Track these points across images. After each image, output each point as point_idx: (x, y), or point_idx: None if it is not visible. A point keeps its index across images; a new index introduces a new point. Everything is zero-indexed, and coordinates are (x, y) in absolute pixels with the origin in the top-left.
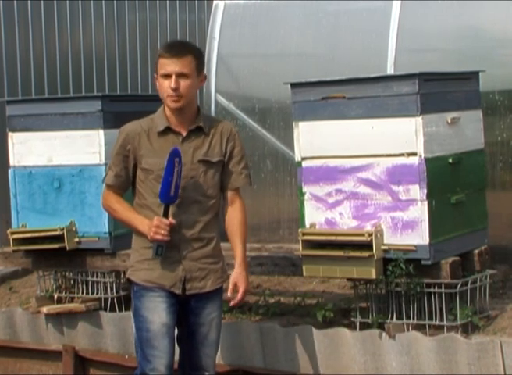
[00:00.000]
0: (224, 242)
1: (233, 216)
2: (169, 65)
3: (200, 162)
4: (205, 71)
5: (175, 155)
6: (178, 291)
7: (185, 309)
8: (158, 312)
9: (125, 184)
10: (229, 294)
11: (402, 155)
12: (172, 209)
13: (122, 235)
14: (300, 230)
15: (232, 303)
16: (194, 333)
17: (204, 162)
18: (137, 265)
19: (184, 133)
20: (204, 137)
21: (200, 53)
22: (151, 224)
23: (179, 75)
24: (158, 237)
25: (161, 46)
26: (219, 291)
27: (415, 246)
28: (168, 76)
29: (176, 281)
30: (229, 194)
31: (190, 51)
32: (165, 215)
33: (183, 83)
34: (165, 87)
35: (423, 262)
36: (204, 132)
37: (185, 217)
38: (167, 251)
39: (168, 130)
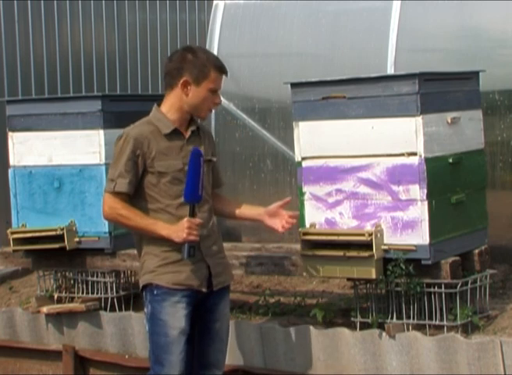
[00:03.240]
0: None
1: (227, 200)
2: (220, 81)
3: (205, 162)
4: None
5: (199, 154)
6: (205, 289)
7: (200, 309)
8: (178, 318)
9: (133, 190)
10: (281, 207)
11: (402, 154)
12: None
13: (122, 235)
14: (300, 229)
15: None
16: (208, 329)
17: (208, 162)
18: (160, 269)
19: (187, 135)
20: (199, 137)
21: None
22: (179, 227)
23: None
24: (192, 238)
25: (211, 59)
26: (228, 287)
27: (415, 246)
28: (215, 91)
29: (202, 280)
30: (217, 191)
31: None
32: (192, 215)
33: None
34: (210, 100)
35: (423, 262)
36: (199, 133)
37: (200, 216)
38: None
39: (173, 132)
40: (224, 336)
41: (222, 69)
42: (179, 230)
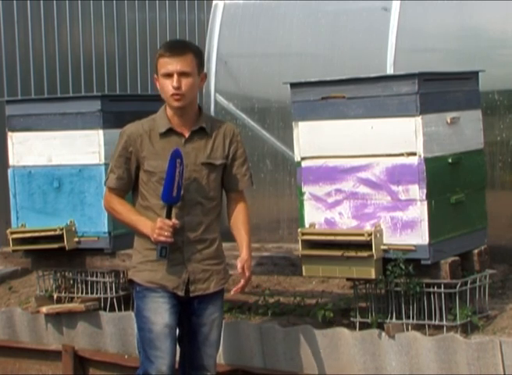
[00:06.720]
0: (224, 242)
1: (238, 213)
2: (171, 64)
3: (204, 164)
4: (205, 70)
5: (176, 156)
6: (181, 293)
7: (187, 310)
8: (160, 313)
9: (127, 186)
10: (239, 269)
11: (401, 154)
12: (174, 211)
13: (121, 235)
14: (299, 230)
15: (234, 291)
16: (196, 333)
17: (207, 165)
18: (140, 266)
19: (187, 135)
20: (206, 138)
21: (199, 52)
22: (154, 226)
23: (181, 74)
24: (162, 238)
25: (161, 46)
26: (221, 292)
27: (415, 246)
28: (169, 75)
29: (179, 283)
30: (234, 195)
31: (191, 49)
32: (168, 216)
33: (185, 81)
34: (167, 86)
35: (422, 262)
36: (207, 133)
37: (188, 219)
38: (170, 253)
39: (170, 132)
40: (214, 341)
41: (165, 50)
42: (153, 230)
